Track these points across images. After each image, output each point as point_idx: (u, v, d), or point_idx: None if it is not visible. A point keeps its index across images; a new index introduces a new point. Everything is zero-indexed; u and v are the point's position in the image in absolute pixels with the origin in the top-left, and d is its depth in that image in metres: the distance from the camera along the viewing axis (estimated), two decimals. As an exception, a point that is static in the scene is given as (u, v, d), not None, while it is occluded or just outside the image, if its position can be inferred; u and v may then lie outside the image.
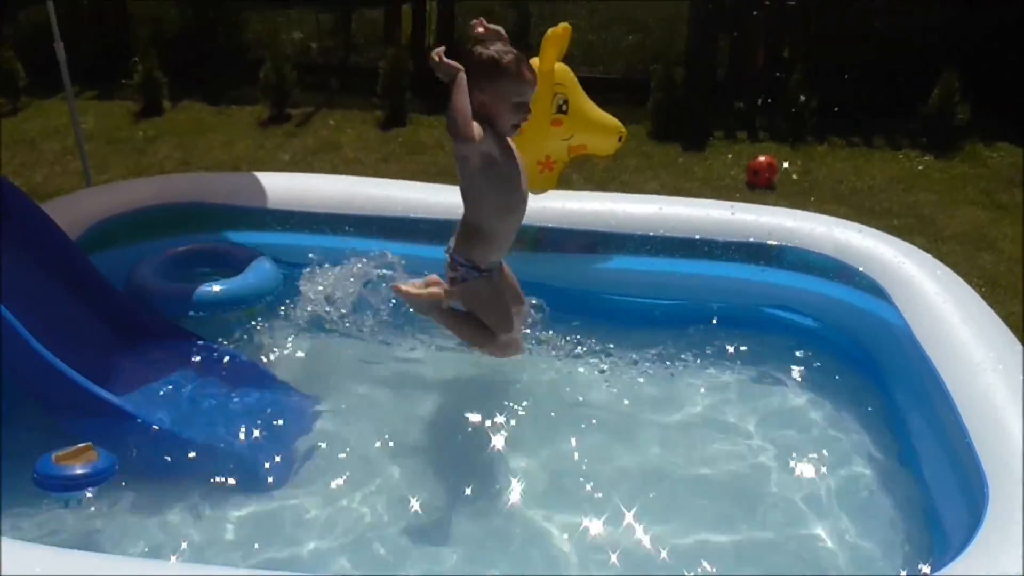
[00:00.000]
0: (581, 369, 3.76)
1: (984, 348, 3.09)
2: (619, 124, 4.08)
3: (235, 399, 3.44)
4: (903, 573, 2.75)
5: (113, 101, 8.27)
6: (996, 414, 2.79)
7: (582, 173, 6.63)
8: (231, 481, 3.09)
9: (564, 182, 4.31)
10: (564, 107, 3.97)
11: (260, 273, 4.00)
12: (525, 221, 3.84)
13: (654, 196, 4.42)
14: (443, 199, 4.25)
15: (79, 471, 2.89)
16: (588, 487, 3.11)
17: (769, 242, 3.96)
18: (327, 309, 3.91)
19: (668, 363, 3.79)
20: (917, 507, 3.00)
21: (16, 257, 3.41)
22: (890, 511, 3.03)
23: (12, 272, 3.31)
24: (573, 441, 3.36)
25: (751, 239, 3.99)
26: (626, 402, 3.59)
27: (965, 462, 2.73)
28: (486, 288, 3.48)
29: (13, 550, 2.28)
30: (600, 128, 4.10)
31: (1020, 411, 2.77)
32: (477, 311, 3.50)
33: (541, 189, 4.46)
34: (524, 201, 3.53)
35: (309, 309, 3.90)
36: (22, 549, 2.32)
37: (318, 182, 4.45)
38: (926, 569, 2.61)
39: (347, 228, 4.19)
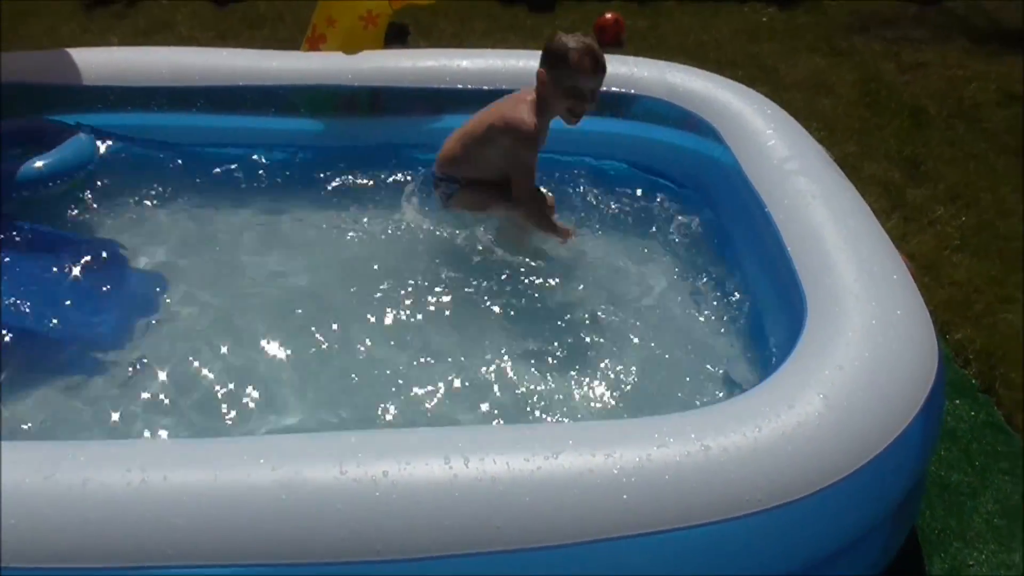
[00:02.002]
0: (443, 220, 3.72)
1: (806, 179, 3.19)
2: None
3: (69, 280, 3.30)
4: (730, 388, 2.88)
5: (-81, -11, 7.64)
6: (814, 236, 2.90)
7: (429, 40, 6.48)
8: (58, 358, 3.00)
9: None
10: (378, -44, 3.82)
11: (77, 146, 3.80)
12: (360, 83, 3.77)
13: (485, 50, 4.31)
14: (273, 65, 4.09)
15: None
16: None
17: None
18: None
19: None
20: (746, 327, 3.12)
21: None
22: (721, 332, 3.16)
23: None
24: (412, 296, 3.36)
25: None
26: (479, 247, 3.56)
27: (787, 283, 2.83)
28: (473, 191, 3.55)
29: None
30: None
31: (838, 234, 2.89)
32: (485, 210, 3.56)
33: (368, 47, 4.34)
34: None
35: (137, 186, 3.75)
36: None
37: (136, 55, 4.20)
38: (752, 379, 2.74)
39: (168, 101, 4.00)
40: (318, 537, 1.93)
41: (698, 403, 2.83)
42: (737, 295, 3.25)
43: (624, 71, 3.94)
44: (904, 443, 2.25)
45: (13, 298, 3.15)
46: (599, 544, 1.96)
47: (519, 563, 1.95)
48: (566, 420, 2.76)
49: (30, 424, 2.76)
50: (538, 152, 3.46)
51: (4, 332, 2.97)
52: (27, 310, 3.11)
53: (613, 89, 3.87)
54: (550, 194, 3.77)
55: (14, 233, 3.43)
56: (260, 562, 1.92)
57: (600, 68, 3.31)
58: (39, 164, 3.70)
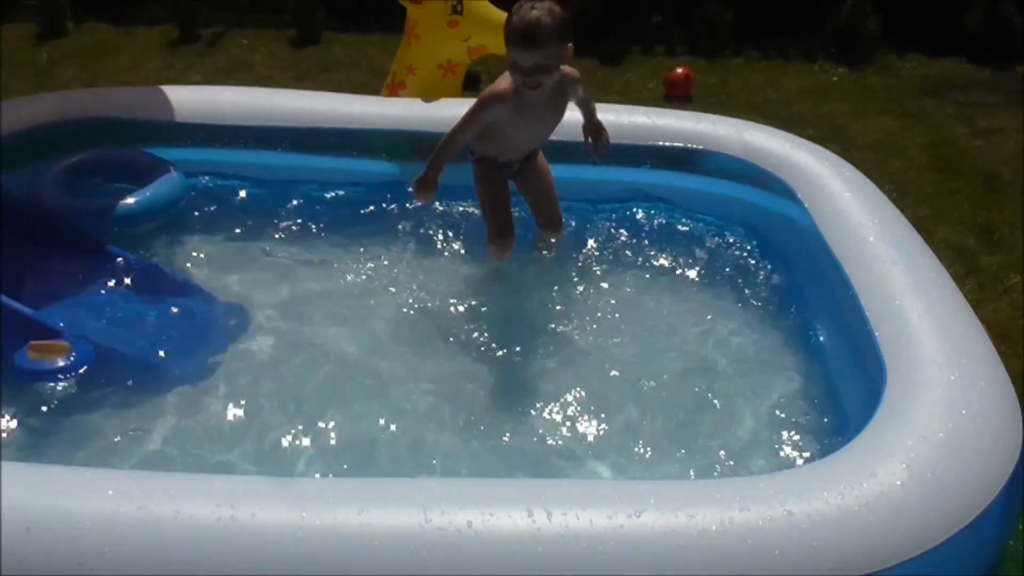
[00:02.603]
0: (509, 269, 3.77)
1: (886, 245, 3.18)
2: None
3: (157, 310, 3.40)
4: (804, 452, 2.85)
5: (12, 23, 7.91)
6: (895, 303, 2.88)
7: (500, 88, 6.56)
8: (156, 392, 3.05)
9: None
10: (459, 7, 3.92)
11: (170, 183, 3.91)
12: (432, 130, 3.84)
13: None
14: (356, 110, 4.19)
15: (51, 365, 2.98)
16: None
17: (680, 145, 3.99)
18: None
19: (587, 266, 3.81)
20: (820, 391, 3.09)
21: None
22: (795, 395, 3.12)
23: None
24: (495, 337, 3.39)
25: (663, 143, 4.01)
26: (551, 304, 3.60)
27: (865, 349, 2.82)
28: (479, 175, 3.65)
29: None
30: (498, 26, 4.04)
31: (919, 301, 2.87)
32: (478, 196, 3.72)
33: (446, 95, 4.41)
34: (535, 139, 3.68)
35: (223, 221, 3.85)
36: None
37: (226, 95, 4.33)
38: (827, 443, 2.72)
39: (255, 140, 4.11)
40: (400, 583, 1.95)
41: (772, 466, 2.81)
42: (810, 356, 3.23)
43: (702, 128, 3.98)
44: (988, 518, 2.22)
45: (105, 323, 3.25)
46: (679, 606, 1.96)
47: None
48: (644, 477, 2.76)
49: (115, 448, 2.83)
50: (519, 117, 3.44)
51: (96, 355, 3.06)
52: (118, 336, 3.20)
53: (690, 145, 3.91)
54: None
55: (110, 263, 3.53)
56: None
57: (528, 44, 3.21)
58: (135, 201, 3.81)
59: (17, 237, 3.52)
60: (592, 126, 3.70)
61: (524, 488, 2.15)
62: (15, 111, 4.18)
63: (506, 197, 3.75)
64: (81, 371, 3.01)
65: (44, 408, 2.97)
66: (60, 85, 6.73)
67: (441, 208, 4.07)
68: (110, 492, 2.08)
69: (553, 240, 3.85)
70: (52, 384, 2.98)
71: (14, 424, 2.92)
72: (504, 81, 3.40)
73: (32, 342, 3.00)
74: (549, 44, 3.22)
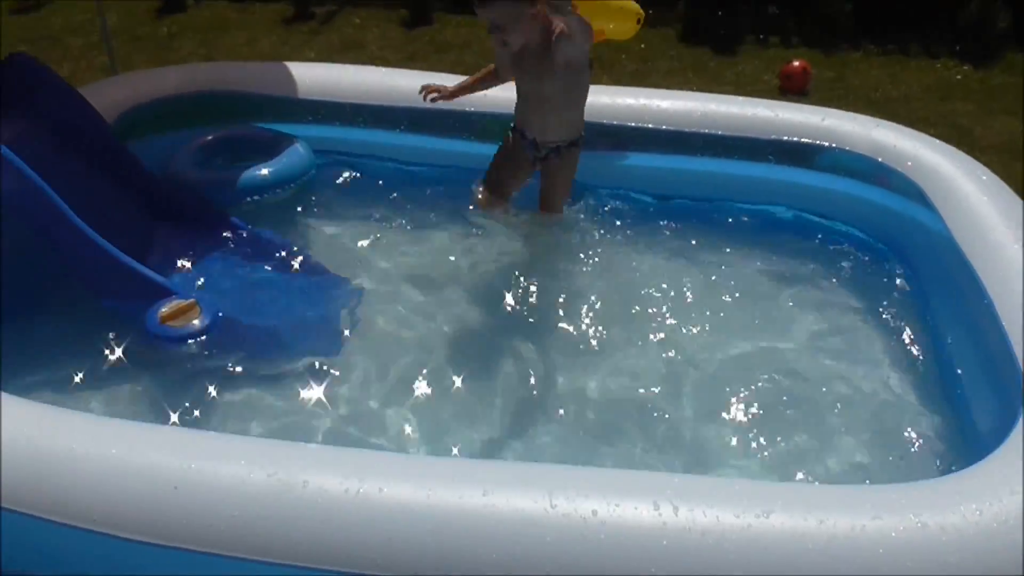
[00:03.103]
0: (623, 265, 3.74)
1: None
2: (636, 6, 3.97)
3: (278, 281, 3.48)
4: (933, 463, 2.76)
5: (135, -2, 8.17)
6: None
7: (611, 75, 6.52)
8: (273, 361, 3.12)
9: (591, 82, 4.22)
10: (580, -8, 3.87)
11: (296, 156, 3.97)
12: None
13: (688, 92, 4.30)
14: (488, 94, 4.19)
15: (183, 329, 3.07)
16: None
17: (806, 141, 3.89)
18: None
19: (705, 264, 3.75)
20: (949, 401, 2.99)
21: (52, 137, 3.40)
22: (923, 411, 3.01)
23: (54, 157, 3.31)
24: (612, 333, 3.35)
25: (787, 138, 3.92)
26: (666, 303, 3.53)
27: (999, 359, 2.71)
28: (506, 143, 3.73)
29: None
30: (616, 11, 4.00)
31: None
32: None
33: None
34: (557, 94, 3.54)
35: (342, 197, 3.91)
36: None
37: (348, 72, 4.37)
38: (955, 467, 2.62)
39: (375, 119, 4.14)
40: (523, 566, 1.95)
41: (895, 477, 2.73)
42: (939, 365, 3.12)
43: (828, 123, 3.87)
44: None
45: (228, 292, 3.33)
46: (805, 611, 1.92)
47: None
48: (760, 478, 2.71)
49: (236, 415, 2.91)
50: (519, 69, 3.52)
51: (224, 327, 3.14)
52: (240, 305, 3.27)
53: (817, 142, 3.82)
54: None
55: (234, 234, 3.62)
56: (464, 583, 1.96)
57: (478, 1, 3.26)
58: (263, 172, 3.89)
59: (146, 206, 3.63)
60: None
61: (651, 481, 2.12)
62: (143, 83, 4.30)
63: (519, 172, 3.79)
64: (208, 335, 3.08)
65: (170, 372, 3.05)
66: (179, 59, 6.92)
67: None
68: (242, 460, 2.13)
69: (544, 220, 3.88)
70: (181, 348, 3.06)
71: (141, 388, 3.02)
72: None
73: (163, 308, 3.08)
74: (496, 4, 3.23)
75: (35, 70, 3.43)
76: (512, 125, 3.73)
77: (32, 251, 3.12)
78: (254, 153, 4.02)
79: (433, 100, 3.72)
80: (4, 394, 2.38)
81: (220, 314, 3.12)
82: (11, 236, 3.08)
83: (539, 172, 3.80)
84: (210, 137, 4.13)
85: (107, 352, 3.08)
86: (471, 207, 3.86)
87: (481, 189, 3.84)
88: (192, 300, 3.12)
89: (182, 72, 4.47)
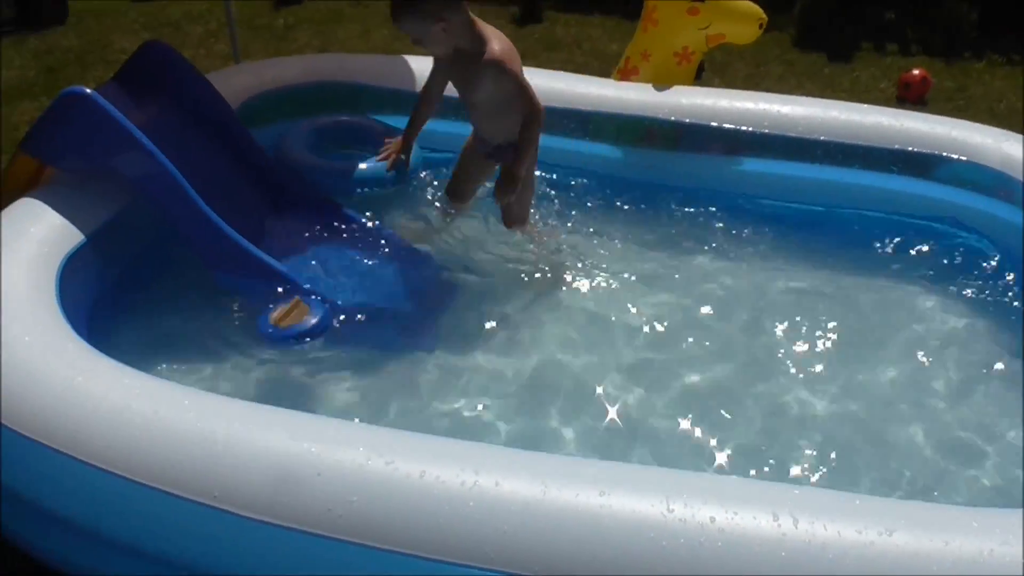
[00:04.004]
0: (732, 271, 3.73)
1: None
2: (759, 10, 3.93)
3: (380, 269, 3.54)
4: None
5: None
6: None
7: (723, 79, 6.44)
8: (376, 347, 3.18)
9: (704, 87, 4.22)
10: (702, -6, 3.84)
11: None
12: (661, 116, 4.00)
13: (806, 98, 4.22)
14: (589, 91, 4.20)
15: (297, 329, 3.12)
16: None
17: (930, 152, 3.79)
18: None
19: (823, 270, 3.72)
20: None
21: (181, 122, 3.54)
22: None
23: (178, 135, 3.44)
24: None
25: (911, 148, 3.82)
26: (788, 313, 3.49)
27: None
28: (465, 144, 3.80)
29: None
30: (739, 15, 3.96)
31: None
32: None
33: (679, 83, 4.35)
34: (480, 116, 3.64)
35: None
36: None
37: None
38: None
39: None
40: (636, 569, 1.94)
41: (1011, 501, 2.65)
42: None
43: (956, 134, 3.77)
44: None
45: (340, 282, 3.40)
46: (925, 633, 1.87)
47: (836, 635, 1.89)
48: (873, 493, 2.66)
49: (349, 405, 2.97)
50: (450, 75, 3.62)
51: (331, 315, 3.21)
52: (351, 295, 3.35)
53: (944, 154, 3.72)
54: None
55: (346, 224, 3.70)
56: (576, 583, 1.96)
57: (393, 18, 3.31)
58: (369, 166, 3.95)
59: (265, 191, 3.73)
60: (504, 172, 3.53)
61: (771, 491, 2.09)
62: (267, 71, 4.41)
63: (472, 170, 3.83)
64: (320, 336, 3.14)
65: (280, 360, 3.13)
66: (295, 49, 7.07)
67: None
68: (361, 448, 2.17)
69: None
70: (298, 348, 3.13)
71: (253, 377, 3.10)
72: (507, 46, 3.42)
73: (273, 311, 3.15)
74: (404, 20, 3.28)
75: (170, 57, 3.56)
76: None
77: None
78: (366, 144, 4.09)
79: (393, 164, 3.84)
80: (155, 378, 2.47)
81: (328, 310, 3.18)
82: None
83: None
84: (324, 121, 4.20)
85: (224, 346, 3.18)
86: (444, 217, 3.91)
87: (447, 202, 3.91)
88: (296, 299, 3.19)
89: (304, 62, 4.57)
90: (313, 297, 3.23)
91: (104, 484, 2.18)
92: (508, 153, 3.49)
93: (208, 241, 3.19)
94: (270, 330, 3.10)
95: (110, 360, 2.47)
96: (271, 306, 3.18)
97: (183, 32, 7.41)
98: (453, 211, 3.92)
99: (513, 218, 3.72)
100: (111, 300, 3.15)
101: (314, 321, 3.14)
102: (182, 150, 3.31)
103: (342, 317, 3.24)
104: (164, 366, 3.04)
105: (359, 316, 3.28)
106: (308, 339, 3.11)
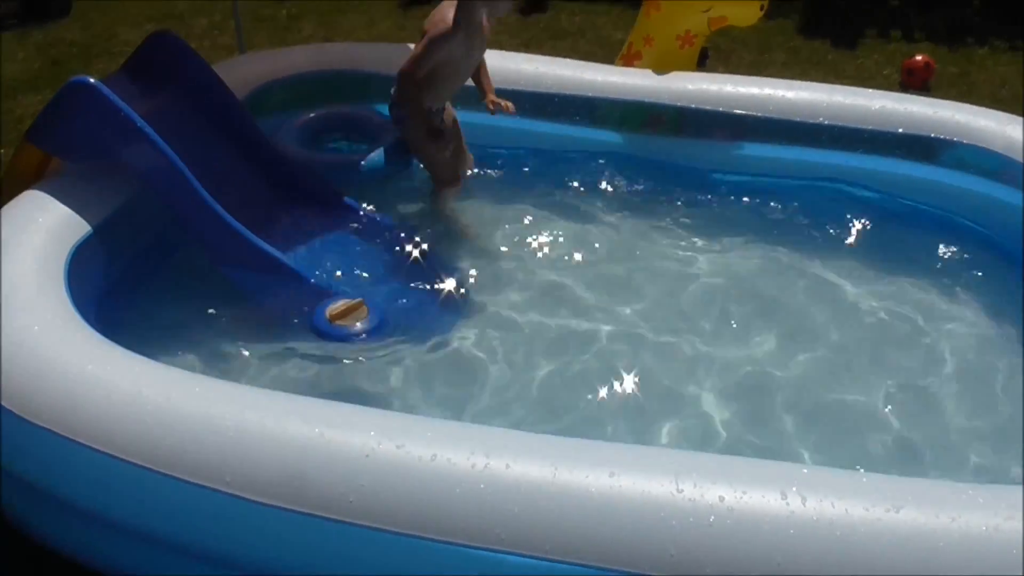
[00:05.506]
0: (733, 258, 3.74)
1: None
2: None
3: (390, 261, 3.55)
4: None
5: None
6: None
7: (727, 66, 6.44)
8: (391, 343, 3.18)
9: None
10: (704, -23, 3.86)
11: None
12: (667, 101, 4.01)
13: (810, 83, 4.23)
14: (594, 77, 4.20)
15: (356, 329, 3.15)
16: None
17: (934, 135, 3.80)
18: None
19: (824, 254, 3.74)
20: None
21: (188, 113, 3.55)
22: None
23: (184, 126, 3.44)
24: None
25: (915, 132, 3.83)
26: (789, 293, 3.54)
27: None
28: (421, 129, 3.78)
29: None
30: None
31: None
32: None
33: (682, 68, 4.37)
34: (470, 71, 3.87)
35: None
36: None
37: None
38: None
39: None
40: (646, 549, 1.96)
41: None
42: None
43: (960, 119, 3.77)
44: None
45: (345, 273, 3.41)
46: (933, 609, 1.89)
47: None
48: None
49: (358, 396, 2.98)
50: (466, 49, 3.71)
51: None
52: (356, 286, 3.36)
53: (944, 136, 3.72)
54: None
55: (348, 215, 3.73)
56: (587, 563, 1.97)
57: None
58: (372, 156, 3.96)
59: (271, 182, 3.73)
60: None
61: (780, 471, 2.10)
62: (273, 62, 4.41)
63: (445, 146, 3.92)
64: (378, 335, 3.17)
65: (291, 349, 3.14)
66: (300, 40, 7.07)
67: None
68: (372, 432, 2.18)
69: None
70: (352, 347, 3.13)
71: (262, 366, 3.10)
72: (443, 14, 3.63)
73: (332, 306, 3.17)
74: None
75: (177, 48, 3.56)
76: (412, 112, 3.77)
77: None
78: (357, 134, 4.12)
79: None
80: (166, 365, 2.49)
81: (383, 311, 3.21)
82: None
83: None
84: (315, 115, 4.23)
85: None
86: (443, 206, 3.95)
87: (446, 190, 3.95)
88: (360, 300, 3.20)
89: (311, 51, 4.57)
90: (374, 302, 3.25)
91: (117, 471, 2.19)
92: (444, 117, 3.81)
93: (214, 235, 3.20)
94: (325, 326, 3.12)
95: (120, 348, 2.49)
96: (335, 295, 3.21)
97: (187, 24, 7.41)
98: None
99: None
100: (119, 290, 3.17)
101: (368, 324, 3.16)
102: (188, 142, 3.32)
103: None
104: (174, 355, 3.05)
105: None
106: (359, 339, 3.14)
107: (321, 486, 2.11)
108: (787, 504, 1.97)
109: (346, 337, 3.12)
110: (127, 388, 2.31)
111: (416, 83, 3.62)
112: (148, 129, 3.08)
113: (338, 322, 3.13)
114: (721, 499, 1.98)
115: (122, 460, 2.19)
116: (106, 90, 3.05)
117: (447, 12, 3.61)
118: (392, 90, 3.79)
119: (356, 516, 2.07)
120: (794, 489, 2.00)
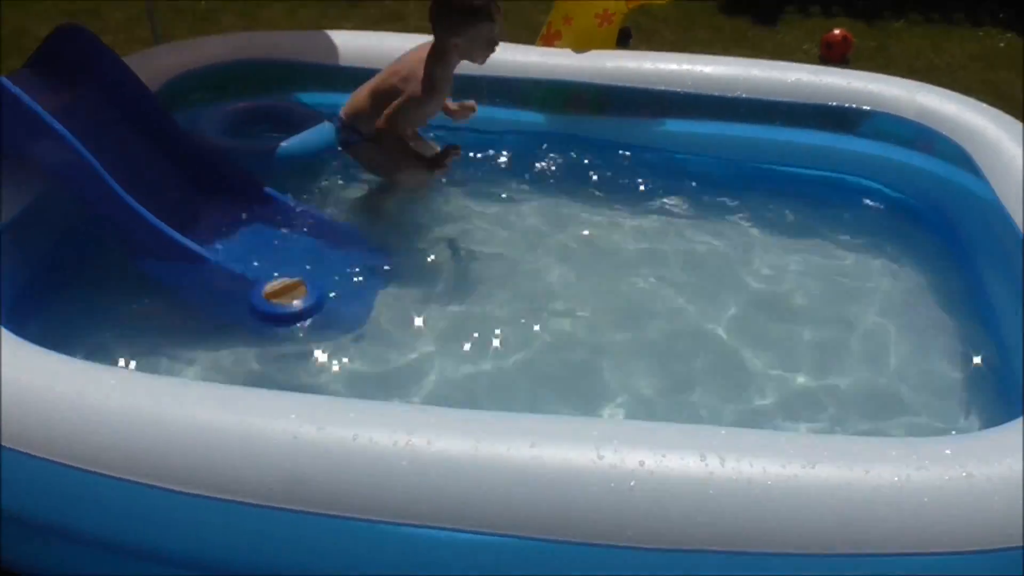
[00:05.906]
0: (653, 228, 3.77)
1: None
2: None
3: (313, 251, 3.51)
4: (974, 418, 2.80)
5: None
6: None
7: (650, 44, 6.49)
8: (321, 332, 3.15)
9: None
10: (619, -45, 3.88)
11: (323, 131, 4.00)
12: (588, 80, 4.10)
13: (728, 58, 4.28)
14: (530, 60, 4.24)
15: (294, 306, 3.13)
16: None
17: (848, 105, 3.87)
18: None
19: (743, 228, 3.79)
20: (993, 362, 3.00)
21: (99, 107, 3.47)
22: (968, 371, 3.02)
23: (95, 121, 3.37)
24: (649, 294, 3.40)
25: (830, 103, 3.90)
26: (703, 265, 3.57)
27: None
28: (396, 149, 3.65)
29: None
30: None
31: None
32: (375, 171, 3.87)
33: (600, 47, 4.39)
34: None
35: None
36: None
37: (390, 40, 4.38)
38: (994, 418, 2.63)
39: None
40: (569, 516, 1.98)
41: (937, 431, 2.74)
42: (985, 327, 3.12)
43: (873, 88, 3.85)
44: None
45: (265, 259, 3.38)
46: (849, 559, 1.93)
47: (765, 566, 1.94)
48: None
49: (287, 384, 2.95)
50: (441, 98, 3.66)
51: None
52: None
53: (863, 107, 3.80)
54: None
55: (270, 205, 3.68)
56: (511, 533, 1.99)
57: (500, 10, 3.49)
58: (285, 144, 3.93)
59: (189, 175, 3.67)
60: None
61: (698, 433, 2.14)
62: (188, 52, 4.33)
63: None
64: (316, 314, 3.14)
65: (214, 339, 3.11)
66: (220, 31, 6.91)
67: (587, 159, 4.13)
68: (293, 415, 2.17)
69: None
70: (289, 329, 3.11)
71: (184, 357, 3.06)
72: (417, 70, 3.53)
73: (269, 285, 3.14)
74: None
75: (86, 40, 3.48)
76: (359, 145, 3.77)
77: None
78: (282, 125, 4.07)
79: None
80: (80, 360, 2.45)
81: (323, 290, 3.18)
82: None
83: None
84: (236, 107, 4.17)
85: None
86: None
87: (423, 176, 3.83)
88: (299, 279, 3.18)
89: (228, 41, 4.50)
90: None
91: (36, 470, 2.17)
92: None
93: (129, 228, 3.13)
94: (262, 303, 3.10)
95: (33, 345, 2.44)
96: (275, 274, 3.19)
97: (103, 18, 7.25)
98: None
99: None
100: (31, 288, 3.09)
101: (303, 306, 3.13)
102: (101, 136, 3.25)
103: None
104: (91, 351, 2.99)
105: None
106: (296, 321, 3.11)
107: (242, 472, 2.09)
108: (706, 465, 2.00)
109: (283, 316, 3.09)
110: (40, 384, 2.27)
111: (395, 135, 3.59)
112: (56, 124, 3.01)
113: (275, 300, 3.10)
114: (641, 463, 2.01)
115: (41, 459, 2.16)
116: (9, 85, 2.98)
117: (421, 69, 3.53)
118: (340, 111, 3.76)
119: (279, 500, 2.06)
120: (713, 451, 2.03)
